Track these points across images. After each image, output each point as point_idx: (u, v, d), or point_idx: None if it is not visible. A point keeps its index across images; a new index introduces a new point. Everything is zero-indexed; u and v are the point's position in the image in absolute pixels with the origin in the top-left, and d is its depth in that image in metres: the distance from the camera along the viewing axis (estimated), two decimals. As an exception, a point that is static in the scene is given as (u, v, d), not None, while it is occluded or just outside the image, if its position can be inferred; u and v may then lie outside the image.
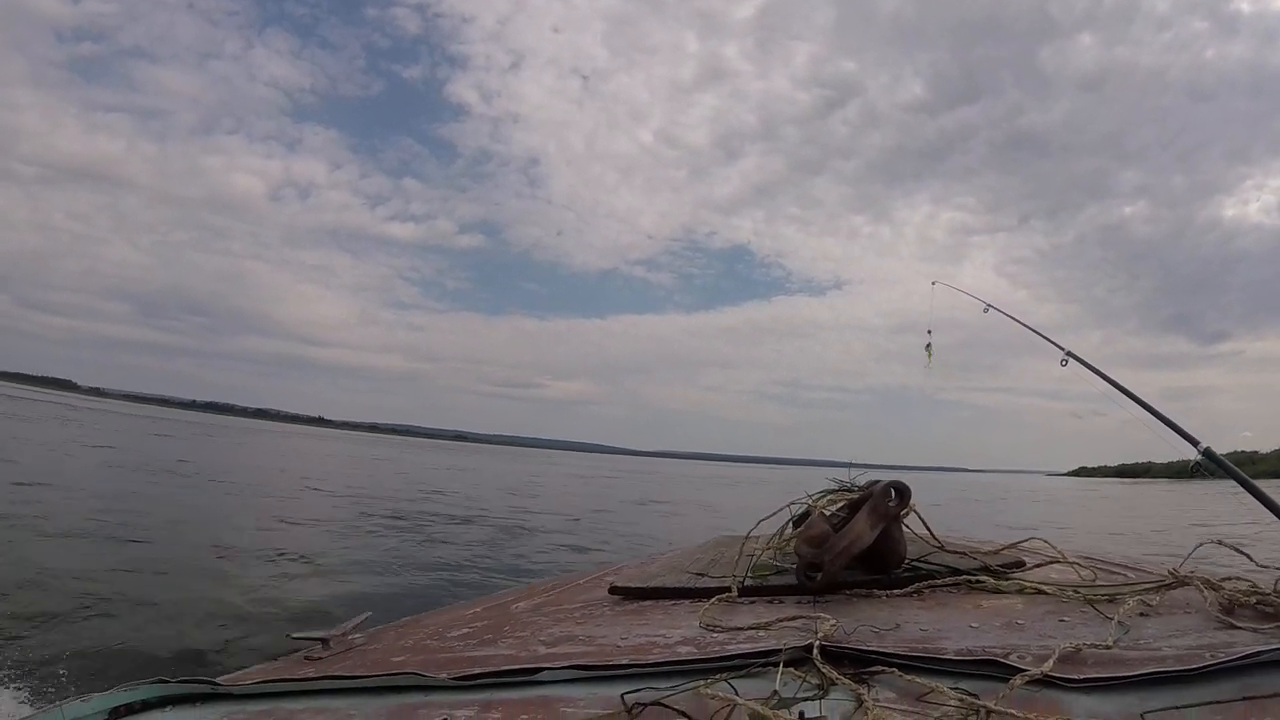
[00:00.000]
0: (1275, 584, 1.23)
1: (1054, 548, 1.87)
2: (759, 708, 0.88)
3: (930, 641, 1.15)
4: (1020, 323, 2.72)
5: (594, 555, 10.68)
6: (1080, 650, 1.01)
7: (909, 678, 0.96)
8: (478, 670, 1.11)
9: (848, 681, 0.96)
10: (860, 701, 0.91)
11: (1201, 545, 1.50)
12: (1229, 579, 1.33)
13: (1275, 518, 1.54)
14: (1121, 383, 2.03)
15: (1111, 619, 1.16)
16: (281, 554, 8.92)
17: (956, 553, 1.83)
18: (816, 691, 0.96)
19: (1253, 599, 1.21)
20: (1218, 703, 0.84)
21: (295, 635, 1.57)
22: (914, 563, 1.70)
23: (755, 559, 1.83)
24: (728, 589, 1.61)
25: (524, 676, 1.08)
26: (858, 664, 1.04)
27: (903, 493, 1.57)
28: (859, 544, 1.51)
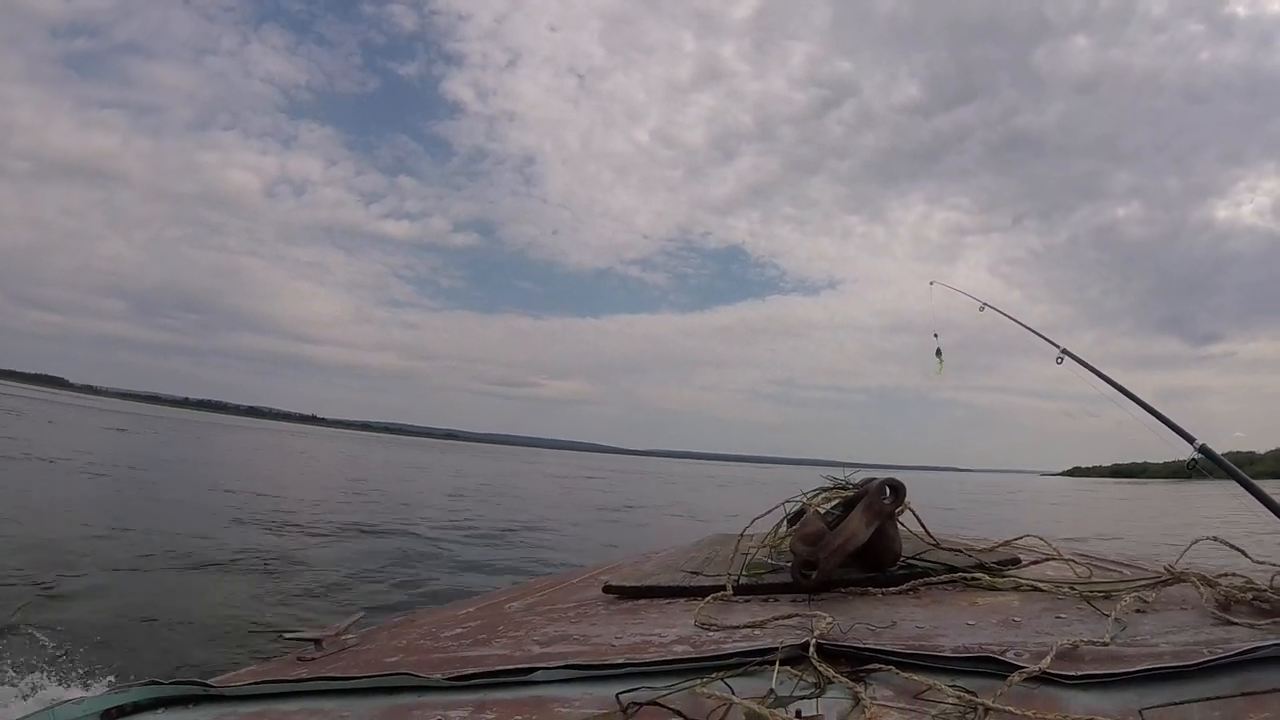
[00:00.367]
0: (1271, 580, 1.23)
1: (1049, 545, 1.87)
2: (755, 706, 0.87)
3: (927, 639, 1.15)
4: (1017, 321, 2.72)
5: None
6: (1077, 647, 1.01)
7: (906, 675, 0.96)
8: (472, 670, 1.11)
9: (844, 679, 0.95)
10: (857, 699, 0.90)
11: (1197, 542, 1.50)
12: (1225, 575, 1.33)
13: (1274, 515, 1.54)
14: (1116, 381, 2.03)
15: (1108, 616, 1.16)
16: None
17: (952, 550, 1.83)
18: (813, 690, 0.95)
19: (1249, 595, 1.20)
20: (1216, 698, 0.84)
21: (288, 636, 1.56)
22: (909, 560, 1.69)
23: (750, 557, 1.83)
24: (723, 587, 1.60)
25: (518, 676, 1.08)
26: (854, 662, 1.03)
27: (897, 490, 1.57)
28: (854, 542, 1.50)
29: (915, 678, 0.94)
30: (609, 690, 0.98)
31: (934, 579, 1.57)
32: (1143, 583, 1.39)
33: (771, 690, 0.95)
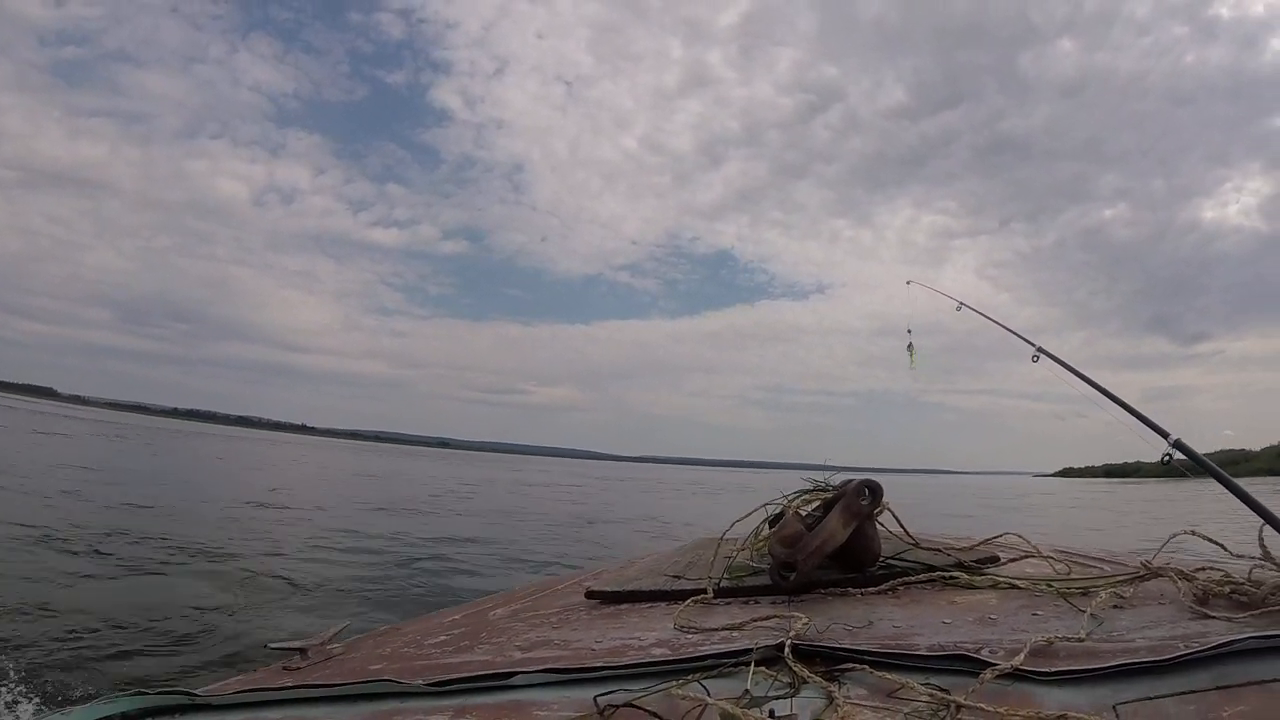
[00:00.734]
0: (1249, 573, 1.23)
1: (1028, 542, 1.88)
2: (730, 707, 0.88)
3: (903, 638, 1.15)
4: (992, 320, 2.74)
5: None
6: (1052, 643, 1.01)
7: (880, 674, 0.96)
8: (452, 676, 1.11)
9: (818, 679, 0.96)
10: (831, 699, 0.91)
11: (1175, 536, 1.50)
12: (1203, 569, 1.33)
13: (1249, 509, 1.55)
14: (1098, 380, 2.05)
15: (1084, 612, 1.17)
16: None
17: (931, 549, 1.84)
18: (788, 690, 0.96)
19: (1227, 589, 1.21)
20: (1191, 692, 0.84)
21: (273, 645, 1.56)
22: (888, 560, 1.70)
23: (732, 560, 1.83)
24: (704, 591, 1.61)
25: (498, 681, 1.08)
26: (830, 662, 1.04)
27: (875, 491, 1.57)
28: (832, 543, 1.51)
29: (889, 676, 0.95)
30: (587, 693, 0.99)
31: (913, 578, 1.57)
32: (1120, 578, 1.40)
33: (747, 691, 0.96)
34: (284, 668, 1.46)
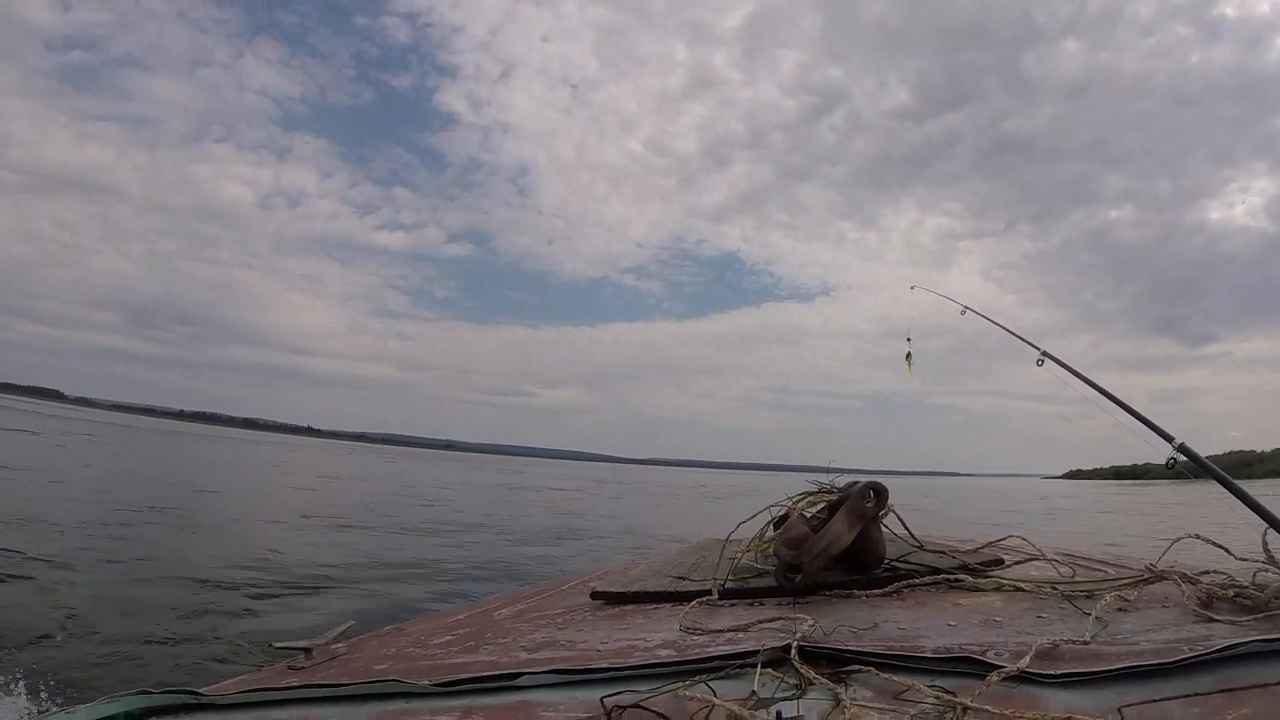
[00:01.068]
0: (1253, 577, 1.23)
1: (1033, 545, 1.88)
2: (736, 708, 0.89)
3: (908, 640, 1.16)
4: (997, 324, 2.74)
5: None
6: (1057, 646, 1.01)
7: (886, 676, 0.97)
8: (458, 676, 1.11)
9: (825, 681, 0.96)
10: (838, 700, 0.91)
11: (1180, 540, 1.50)
12: (1207, 572, 1.33)
13: (1254, 513, 1.55)
14: (1104, 384, 2.04)
15: (1089, 615, 1.17)
16: None
17: (936, 552, 1.84)
18: (794, 691, 0.96)
19: (1230, 592, 1.21)
20: (1195, 695, 0.85)
21: (278, 645, 1.56)
22: (893, 563, 1.70)
23: (736, 561, 1.83)
24: (708, 592, 1.61)
25: (504, 682, 1.09)
26: (836, 663, 1.04)
27: (880, 493, 1.58)
28: (837, 545, 1.51)
29: (895, 678, 0.95)
30: (593, 694, 0.99)
31: (917, 581, 1.57)
32: (1125, 581, 1.40)
33: (753, 692, 0.96)
34: (289, 667, 1.47)
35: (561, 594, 2.13)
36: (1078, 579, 1.51)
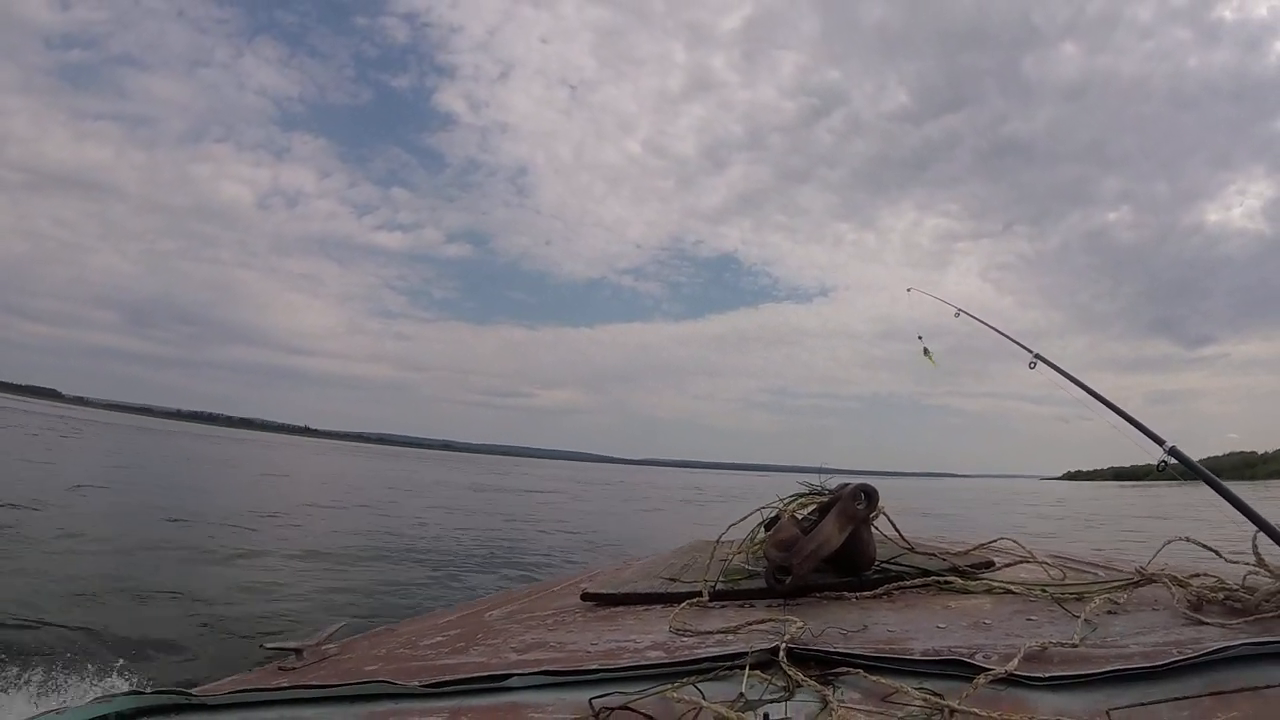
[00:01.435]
0: (1243, 579, 1.23)
1: (1023, 547, 1.88)
2: (724, 710, 0.88)
3: (897, 642, 1.16)
4: (990, 326, 2.74)
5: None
6: (1046, 649, 1.01)
7: (874, 678, 0.97)
8: (448, 677, 1.12)
9: (813, 683, 0.96)
10: (825, 703, 0.91)
11: (1170, 543, 1.50)
12: (1197, 575, 1.33)
13: (1244, 517, 1.55)
14: (1099, 386, 2.05)
15: (1078, 617, 1.17)
16: None
17: (926, 554, 1.84)
18: (782, 694, 0.96)
19: (1220, 595, 1.21)
20: (1184, 698, 0.85)
21: (269, 645, 1.56)
22: (884, 564, 1.70)
23: (727, 563, 1.83)
24: (699, 593, 1.61)
25: (493, 683, 1.09)
26: (824, 666, 1.04)
27: (870, 495, 1.58)
28: (827, 547, 1.51)
29: (883, 681, 0.95)
30: (582, 696, 0.99)
31: (907, 583, 1.58)
32: (1115, 584, 1.40)
33: (741, 694, 0.96)
34: (279, 668, 1.47)
35: (553, 595, 2.13)
36: (1068, 581, 1.51)
